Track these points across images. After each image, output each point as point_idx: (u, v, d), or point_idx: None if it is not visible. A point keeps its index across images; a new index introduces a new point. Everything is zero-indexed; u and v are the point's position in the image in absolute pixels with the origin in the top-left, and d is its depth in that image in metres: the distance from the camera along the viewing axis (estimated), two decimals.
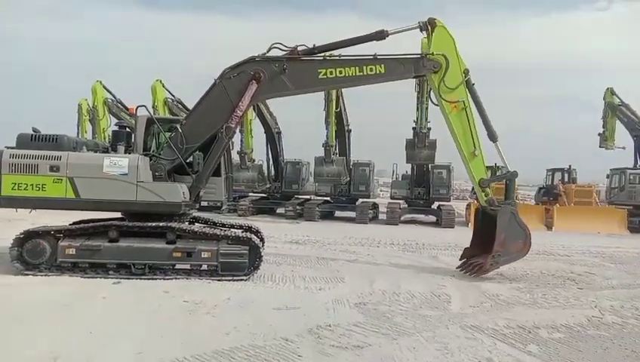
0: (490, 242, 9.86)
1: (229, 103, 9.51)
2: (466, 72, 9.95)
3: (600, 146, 25.63)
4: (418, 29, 10.06)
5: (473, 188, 10.42)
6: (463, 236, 17.56)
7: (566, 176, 26.39)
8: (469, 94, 10.01)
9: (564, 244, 15.96)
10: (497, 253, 9.74)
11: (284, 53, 9.74)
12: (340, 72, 9.69)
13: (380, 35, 9.76)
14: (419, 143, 20.51)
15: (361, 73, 9.72)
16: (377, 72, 9.73)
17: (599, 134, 25.64)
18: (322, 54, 9.80)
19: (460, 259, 10.98)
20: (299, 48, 9.72)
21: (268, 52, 9.72)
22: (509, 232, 9.81)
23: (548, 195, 25.97)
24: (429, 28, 9.96)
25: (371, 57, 9.71)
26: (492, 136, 10.18)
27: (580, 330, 6.73)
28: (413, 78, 10.28)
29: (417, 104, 20.38)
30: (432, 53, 9.83)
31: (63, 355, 5.07)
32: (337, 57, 9.85)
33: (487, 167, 11.07)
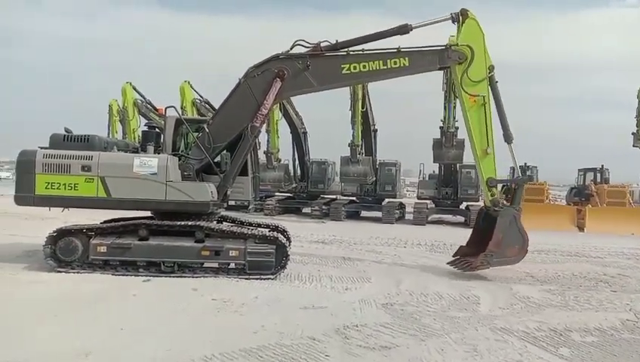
0: (487, 242, 9.65)
1: (254, 102, 9.55)
2: (491, 68, 9.77)
3: (634, 146, 24.92)
4: (446, 22, 9.85)
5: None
6: None
7: (598, 176, 25.78)
8: (490, 91, 9.84)
9: (596, 246, 15.58)
10: (491, 252, 9.52)
11: (307, 50, 9.72)
12: (364, 67, 9.62)
13: (404, 30, 9.64)
14: (446, 143, 20.29)
15: (385, 67, 9.63)
16: (401, 65, 9.62)
17: (633, 133, 24.93)
18: (345, 50, 9.74)
19: (453, 256, 10.80)
20: (322, 45, 9.67)
21: (291, 49, 9.71)
22: (507, 235, 9.60)
23: (579, 196, 25.43)
24: (461, 19, 9.78)
25: (395, 50, 9.60)
26: (507, 137, 9.98)
27: (613, 334, 6.55)
28: (438, 70, 10.11)
29: (444, 103, 20.16)
30: (457, 44, 9.69)
31: (94, 351, 5.16)
32: (360, 52, 9.75)
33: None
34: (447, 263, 10.52)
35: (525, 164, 27.26)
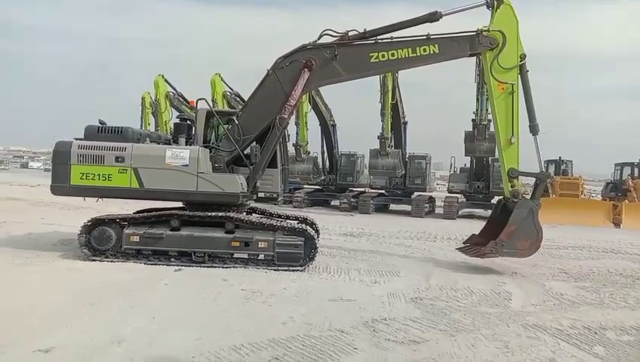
0: (500, 232, 9.50)
1: (282, 93, 9.55)
2: (523, 57, 9.52)
3: None
4: (477, 11, 9.68)
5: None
6: None
7: (636, 170, 25.03)
8: (520, 81, 9.61)
9: (632, 242, 15.14)
10: (502, 242, 9.35)
11: (335, 39, 9.64)
12: (392, 55, 9.49)
13: (434, 17, 9.48)
14: (478, 135, 19.98)
15: (415, 54, 9.49)
16: (431, 52, 9.47)
17: None
18: (373, 38, 9.62)
19: (464, 243, 10.72)
20: (350, 34, 9.57)
21: (319, 39, 9.65)
22: (521, 227, 9.39)
23: (616, 191, 24.77)
24: (495, 4, 9.56)
25: (424, 37, 9.45)
26: (533, 129, 9.77)
27: None
28: (469, 56, 9.89)
29: (477, 95, 19.86)
30: (489, 30, 9.48)
31: (126, 339, 5.26)
32: (389, 40, 9.60)
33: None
34: (457, 248, 10.41)
35: (560, 157, 26.69)
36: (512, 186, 9.73)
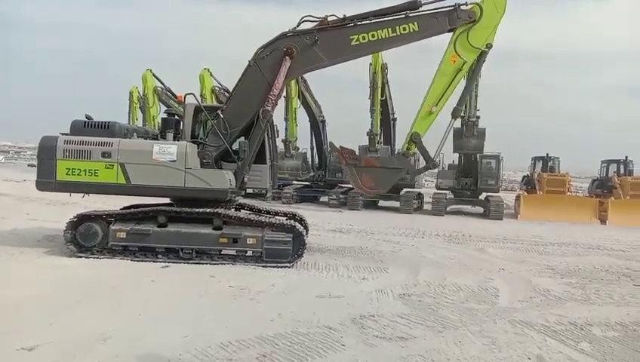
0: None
1: (265, 83, 9.49)
2: (489, 46, 9.50)
3: None
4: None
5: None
6: (512, 228, 17.21)
7: (622, 167, 25.26)
8: (474, 65, 9.65)
9: (618, 239, 15.29)
10: (359, 161, 9.65)
11: (315, 25, 9.58)
12: (373, 36, 9.43)
13: (414, 4, 9.41)
14: (467, 132, 20.06)
15: (395, 34, 9.44)
16: (411, 30, 9.42)
17: None
18: (352, 22, 9.52)
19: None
20: (329, 18, 9.52)
21: (298, 26, 9.57)
22: (381, 169, 9.71)
23: (602, 188, 24.95)
24: None
25: (403, 16, 9.42)
26: (456, 112, 9.99)
27: (636, 329, 6.42)
28: (448, 32, 9.83)
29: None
30: (466, 3, 9.43)
31: (113, 336, 5.22)
32: (368, 21, 9.53)
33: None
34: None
35: (547, 154, 26.86)
36: (407, 149, 9.84)
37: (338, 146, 9.89)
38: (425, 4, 9.47)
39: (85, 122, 9.35)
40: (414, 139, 9.71)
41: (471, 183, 22.14)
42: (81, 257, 8.84)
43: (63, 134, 9.17)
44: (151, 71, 26.92)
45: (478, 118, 20.09)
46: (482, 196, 22.64)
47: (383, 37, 9.45)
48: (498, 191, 22.60)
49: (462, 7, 9.44)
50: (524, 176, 28.00)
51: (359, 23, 9.49)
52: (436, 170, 24.38)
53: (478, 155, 21.59)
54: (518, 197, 23.44)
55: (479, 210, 22.60)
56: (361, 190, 10.07)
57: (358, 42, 9.47)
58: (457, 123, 20.15)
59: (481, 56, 9.54)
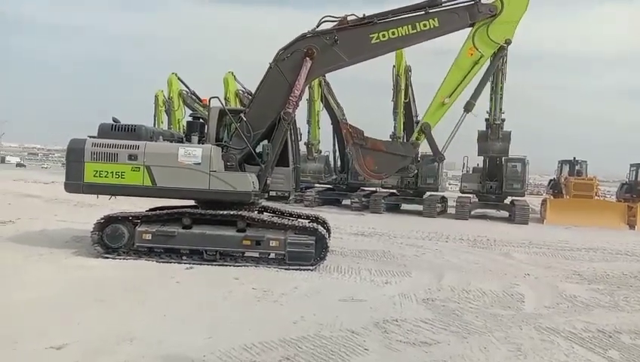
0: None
1: (287, 84, 9.52)
2: (508, 42, 9.44)
3: None
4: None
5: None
6: (538, 233, 16.94)
7: None
8: (491, 60, 9.59)
9: None
10: (364, 143, 9.63)
11: (334, 25, 9.56)
12: (393, 33, 9.40)
13: (434, 2, 9.35)
14: (492, 135, 19.85)
15: (415, 30, 9.40)
16: (431, 26, 9.38)
17: None
18: (372, 20, 9.49)
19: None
20: (348, 18, 9.50)
21: (318, 26, 9.57)
22: (386, 154, 9.72)
23: (631, 192, 24.41)
24: None
25: (423, 13, 9.38)
26: (469, 106, 9.83)
27: None
28: (469, 26, 9.74)
29: (490, 94, 19.70)
30: None
31: (138, 337, 5.28)
32: (388, 19, 9.50)
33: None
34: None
35: (574, 158, 26.40)
36: (417, 138, 9.83)
37: (348, 125, 9.93)
38: (445, 0, 9.43)
39: (112, 125, 9.51)
40: (424, 129, 9.73)
41: (496, 187, 21.86)
42: (107, 258, 8.98)
43: (90, 137, 9.34)
44: (176, 75, 27.29)
45: (503, 120, 19.86)
46: (507, 200, 22.35)
47: (404, 34, 9.43)
48: (524, 195, 22.29)
49: (483, 1, 9.38)
50: (550, 180, 27.61)
51: (379, 22, 9.48)
52: (460, 174, 24.20)
53: (503, 158, 21.32)
54: (544, 202, 23.09)
55: (504, 214, 22.30)
56: (363, 172, 10.02)
57: (378, 40, 9.45)
58: (482, 125, 20.04)
59: (500, 51, 9.47)
